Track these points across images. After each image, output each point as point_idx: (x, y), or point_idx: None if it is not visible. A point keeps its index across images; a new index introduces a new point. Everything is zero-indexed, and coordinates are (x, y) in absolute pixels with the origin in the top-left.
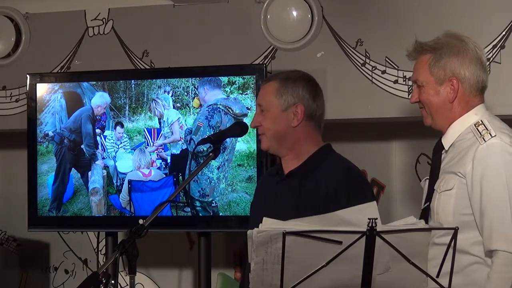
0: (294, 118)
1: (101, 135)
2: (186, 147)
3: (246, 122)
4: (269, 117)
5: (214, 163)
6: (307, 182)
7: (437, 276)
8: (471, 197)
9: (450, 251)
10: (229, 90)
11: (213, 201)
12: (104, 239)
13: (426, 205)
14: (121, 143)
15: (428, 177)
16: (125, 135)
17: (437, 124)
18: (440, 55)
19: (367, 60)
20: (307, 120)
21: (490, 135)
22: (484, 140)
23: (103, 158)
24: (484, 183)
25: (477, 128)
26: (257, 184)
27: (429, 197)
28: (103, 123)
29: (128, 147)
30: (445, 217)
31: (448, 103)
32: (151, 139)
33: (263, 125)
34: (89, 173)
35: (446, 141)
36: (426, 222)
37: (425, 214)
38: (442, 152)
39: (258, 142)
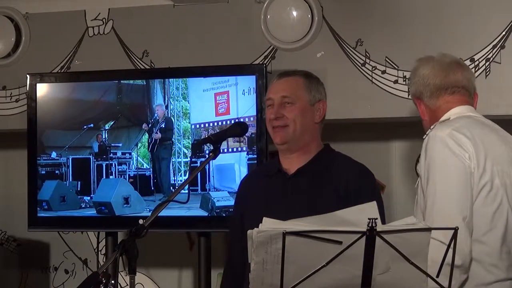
0: (317, 114)
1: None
2: None
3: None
4: (295, 109)
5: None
6: (319, 181)
7: (437, 276)
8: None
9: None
10: None
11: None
12: (104, 239)
13: None
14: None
15: None
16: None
17: None
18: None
19: (367, 60)
20: (323, 119)
21: (431, 129)
22: (427, 134)
23: None
24: (423, 175)
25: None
26: (246, 184)
27: None
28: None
29: None
30: (416, 214)
31: (425, 119)
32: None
33: (287, 117)
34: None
35: None
36: None
37: None
38: None
39: (270, 134)
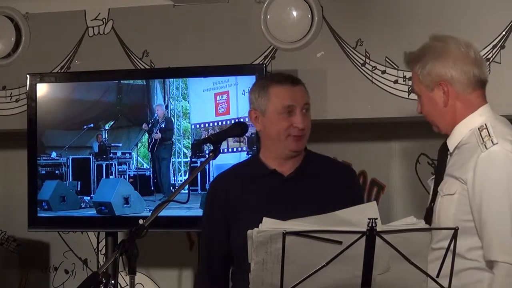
0: None
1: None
2: None
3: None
4: (309, 118)
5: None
6: (315, 181)
7: (437, 276)
8: (472, 205)
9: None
10: None
11: None
12: (104, 239)
13: (430, 205)
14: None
15: (433, 177)
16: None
17: (442, 130)
18: (425, 63)
19: (367, 60)
20: None
21: (492, 142)
22: (485, 147)
23: None
24: (485, 193)
25: (480, 133)
26: (228, 187)
27: (434, 198)
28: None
29: None
30: (445, 220)
31: (443, 108)
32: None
33: (306, 126)
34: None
35: (451, 143)
36: (429, 222)
37: (429, 214)
38: (448, 153)
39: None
